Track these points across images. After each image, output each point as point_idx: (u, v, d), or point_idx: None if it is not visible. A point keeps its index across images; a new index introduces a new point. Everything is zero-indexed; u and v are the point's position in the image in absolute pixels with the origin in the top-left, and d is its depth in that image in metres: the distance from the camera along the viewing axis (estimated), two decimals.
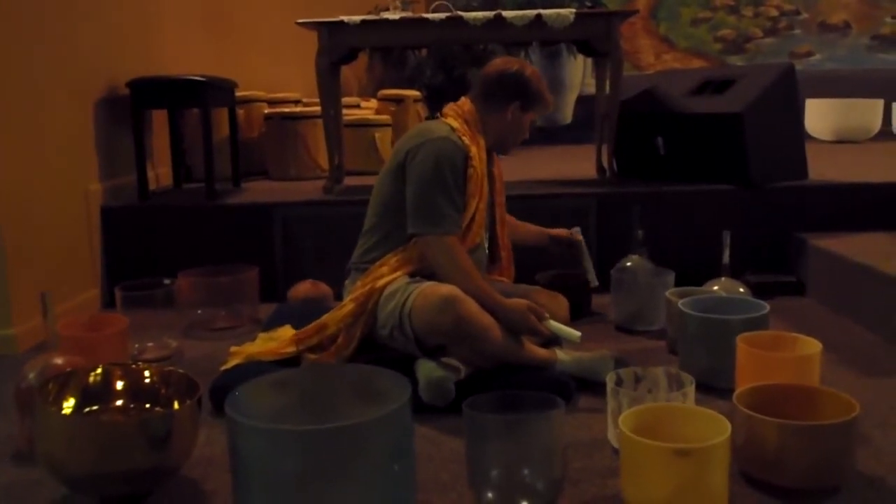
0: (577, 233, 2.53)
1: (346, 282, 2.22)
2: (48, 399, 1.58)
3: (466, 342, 1.95)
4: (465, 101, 2.25)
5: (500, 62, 2.26)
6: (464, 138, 2.13)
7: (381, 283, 2.07)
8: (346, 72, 4.48)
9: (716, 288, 2.48)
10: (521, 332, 2.04)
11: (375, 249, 2.16)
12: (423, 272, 2.09)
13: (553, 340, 2.15)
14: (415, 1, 5.10)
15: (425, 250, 2.07)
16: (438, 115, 2.28)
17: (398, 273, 2.08)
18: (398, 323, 2.00)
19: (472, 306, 1.94)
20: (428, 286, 1.99)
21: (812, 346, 1.88)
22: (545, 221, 2.58)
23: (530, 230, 2.57)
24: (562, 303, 2.29)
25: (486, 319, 1.96)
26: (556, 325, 2.06)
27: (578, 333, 2.03)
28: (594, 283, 2.51)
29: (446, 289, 1.95)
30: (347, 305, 2.10)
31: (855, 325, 2.59)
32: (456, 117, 2.21)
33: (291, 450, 1.20)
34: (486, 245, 2.29)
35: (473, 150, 2.13)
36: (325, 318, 2.14)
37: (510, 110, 2.21)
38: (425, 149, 2.08)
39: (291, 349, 2.12)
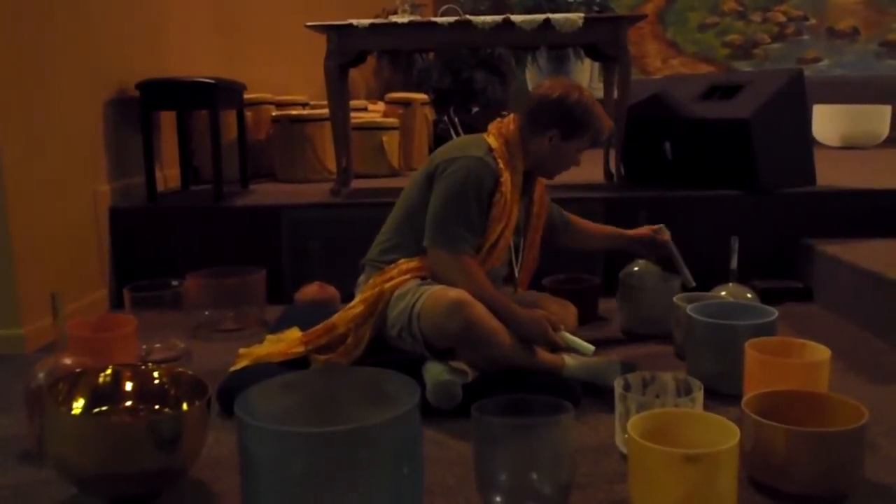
0: (662, 231, 2.40)
1: (361, 278, 2.22)
2: (58, 399, 1.58)
3: (474, 346, 1.95)
4: (510, 120, 2.19)
5: (546, 85, 2.16)
6: (499, 161, 2.09)
7: (390, 285, 2.07)
8: (354, 74, 4.50)
9: (723, 293, 2.47)
10: (537, 343, 2.04)
11: (393, 252, 2.15)
12: (435, 278, 2.09)
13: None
14: (423, 4, 5.11)
15: (435, 265, 2.06)
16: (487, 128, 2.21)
17: (408, 276, 2.08)
18: (407, 324, 2.00)
19: (480, 310, 1.94)
20: (438, 289, 1.99)
21: (821, 352, 1.88)
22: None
23: (606, 234, 2.51)
24: (570, 310, 2.28)
25: (495, 324, 1.96)
26: (570, 337, 2.05)
27: (592, 347, 2.03)
28: (691, 283, 2.41)
29: (455, 292, 1.95)
30: (357, 307, 2.10)
31: (862, 332, 2.58)
32: (497, 136, 2.15)
33: (300, 452, 1.21)
34: (517, 267, 2.27)
35: (506, 175, 2.09)
36: (334, 318, 2.14)
37: (549, 137, 2.13)
38: (456, 165, 2.05)
39: (300, 349, 2.13)
